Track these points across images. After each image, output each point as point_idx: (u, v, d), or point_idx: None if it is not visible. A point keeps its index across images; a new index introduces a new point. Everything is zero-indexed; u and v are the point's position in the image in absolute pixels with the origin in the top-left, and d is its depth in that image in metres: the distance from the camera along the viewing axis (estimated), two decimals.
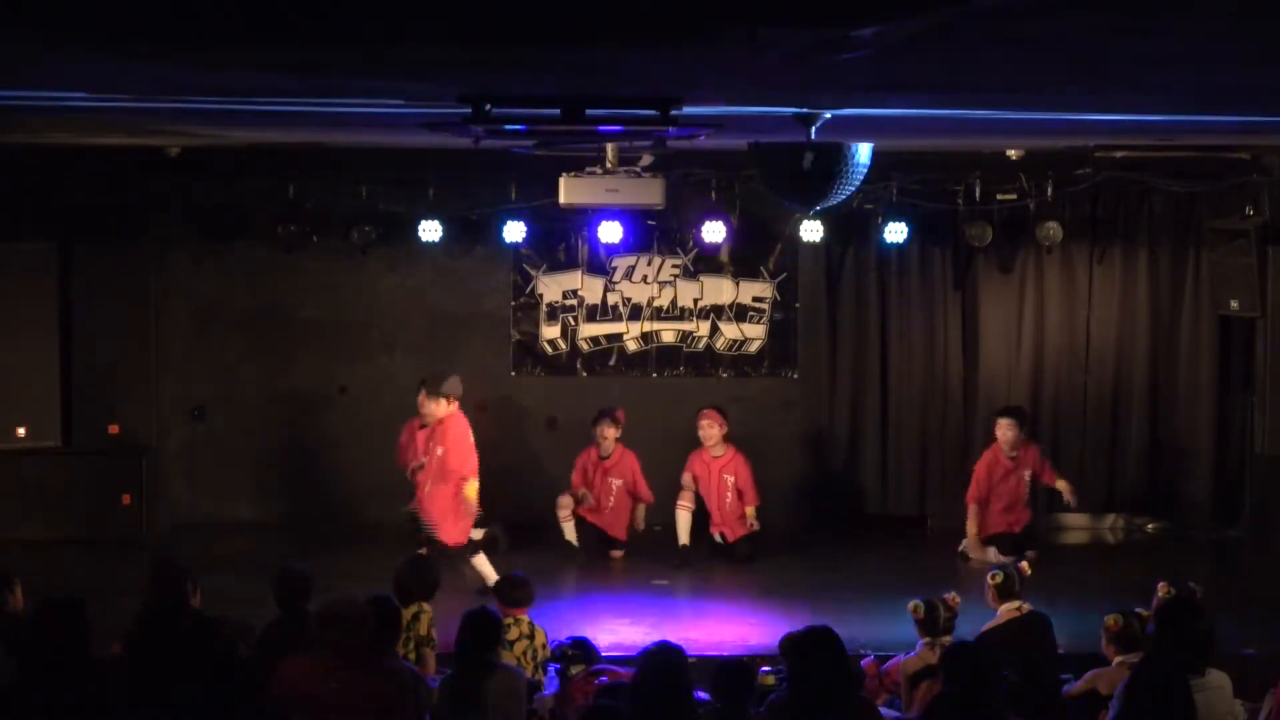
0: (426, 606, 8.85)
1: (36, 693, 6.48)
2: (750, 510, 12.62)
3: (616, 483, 12.69)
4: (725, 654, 9.22)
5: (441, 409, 11.35)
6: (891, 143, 10.26)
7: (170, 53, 5.58)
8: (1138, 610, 8.12)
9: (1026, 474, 12.64)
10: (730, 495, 12.64)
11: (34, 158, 11.72)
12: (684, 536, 12.60)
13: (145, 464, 13.09)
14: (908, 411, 13.90)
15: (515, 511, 12.66)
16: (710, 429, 12.63)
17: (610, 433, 12.61)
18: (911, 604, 8.43)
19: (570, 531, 12.58)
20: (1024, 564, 8.89)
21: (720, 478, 12.65)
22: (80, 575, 11.53)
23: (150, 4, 4.47)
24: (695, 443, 13.12)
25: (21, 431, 12.81)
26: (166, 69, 6.04)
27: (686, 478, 12.69)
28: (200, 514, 13.59)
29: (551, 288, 13.92)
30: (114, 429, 12.97)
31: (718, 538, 12.72)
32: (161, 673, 7.26)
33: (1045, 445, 13.19)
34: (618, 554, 12.74)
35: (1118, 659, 7.98)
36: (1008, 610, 8.65)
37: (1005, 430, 12.59)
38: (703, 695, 6.99)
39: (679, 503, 12.62)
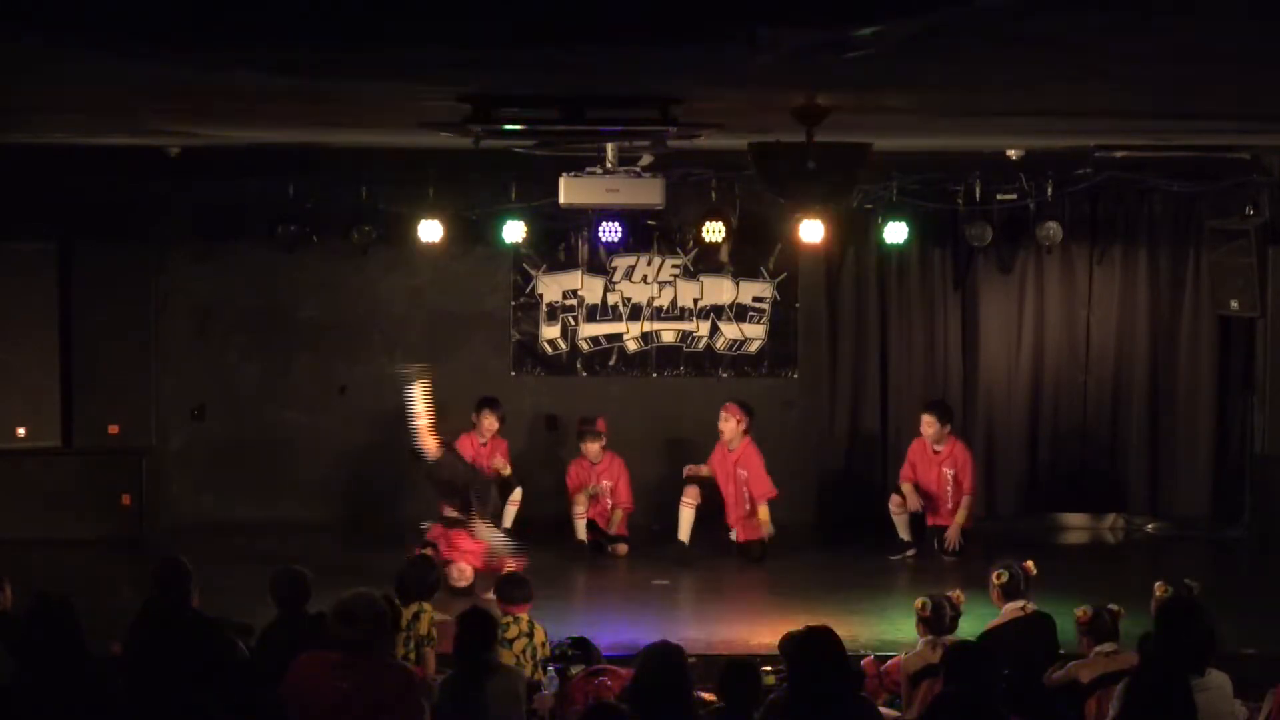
0: (427, 606, 8.86)
1: (34, 692, 6.49)
2: (763, 509, 12.58)
3: (609, 484, 12.78)
4: (725, 654, 9.22)
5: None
6: (891, 143, 10.26)
7: (171, 52, 5.58)
8: (1110, 606, 8.23)
9: (949, 472, 12.64)
10: (745, 490, 12.63)
11: (34, 158, 11.72)
12: (684, 534, 12.60)
13: (145, 464, 13.09)
14: (908, 411, 13.89)
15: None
16: (726, 422, 12.63)
17: (595, 446, 12.72)
18: (919, 600, 8.40)
19: (582, 530, 12.65)
20: (1029, 563, 8.88)
21: (735, 471, 12.65)
22: (80, 575, 11.55)
23: (153, 3, 4.47)
24: (695, 443, 13.15)
25: (21, 431, 12.82)
26: (167, 68, 6.04)
27: (704, 468, 12.68)
28: (200, 514, 13.58)
29: (551, 288, 13.92)
30: (114, 429, 12.97)
31: (732, 534, 12.74)
32: (161, 672, 7.26)
33: (975, 449, 13.15)
34: (622, 548, 12.77)
35: (1094, 649, 8.10)
36: (1011, 609, 8.64)
37: (926, 426, 12.68)
38: (703, 696, 7.00)
39: (683, 499, 12.63)
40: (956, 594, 8.50)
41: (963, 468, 12.66)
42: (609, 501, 12.83)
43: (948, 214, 13.43)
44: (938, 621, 8.31)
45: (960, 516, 12.56)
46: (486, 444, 12.70)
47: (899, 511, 12.73)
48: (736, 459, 12.66)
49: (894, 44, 4.84)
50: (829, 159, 7.54)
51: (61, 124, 9.35)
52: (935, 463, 12.69)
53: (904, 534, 12.75)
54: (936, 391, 13.79)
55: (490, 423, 12.65)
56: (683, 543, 12.59)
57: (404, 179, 12.98)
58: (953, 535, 12.52)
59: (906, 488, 12.70)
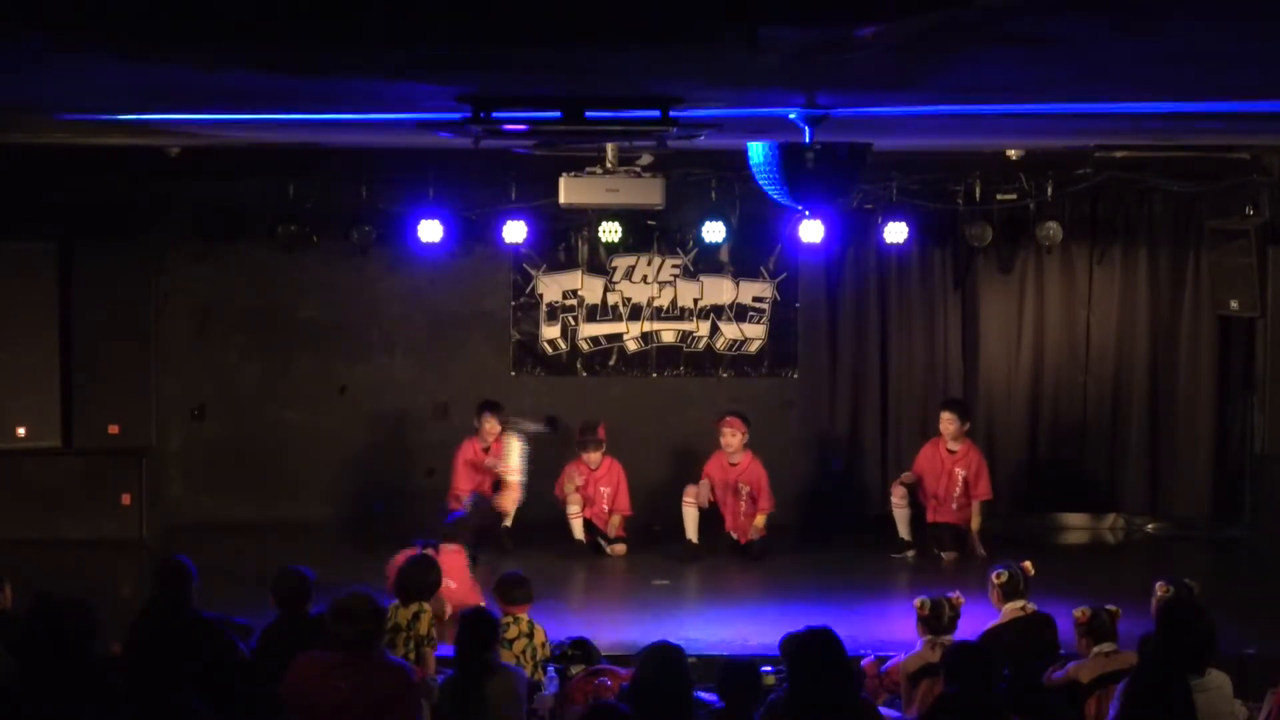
0: (427, 606, 8.86)
1: (36, 692, 6.49)
2: (761, 519, 12.64)
3: (606, 490, 12.80)
4: (726, 654, 9.23)
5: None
6: (891, 143, 10.26)
7: (168, 52, 5.58)
8: (1108, 607, 8.25)
9: (960, 473, 12.65)
10: (745, 503, 12.66)
11: (34, 157, 11.72)
12: (691, 533, 12.61)
13: (145, 464, 13.09)
14: (908, 411, 13.90)
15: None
16: (732, 437, 12.63)
17: (596, 455, 12.72)
18: (918, 600, 8.44)
19: (578, 529, 12.64)
20: (1027, 563, 8.90)
21: (735, 485, 12.66)
22: (80, 575, 11.55)
23: (151, 2, 4.47)
24: (695, 443, 13.15)
25: (21, 431, 12.81)
26: (165, 69, 6.04)
27: (705, 484, 12.68)
28: (200, 514, 13.59)
29: (551, 288, 13.92)
30: (114, 429, 12.96)
31: (733, 535, 12.75)
32: (161, 672, 7.26)
33: (987, 455, 13.14)
34: (620, 548, 12.77)
35: (1093, 650, 8.11)
36: (1011, 610, 8.65)
37: (946, 423, 12.68)
38: (703, 695, 7.00)
39: (685, 499, 12.63)
40: (956, 596, 8.52)
41: (977, 471, 12.66)
42: (606, 506, 12.83)
43: (948, 214, 13.43)
44: (936, 621, 8.34)
45: (976, 523, 12.59)
46: (489, 448, 12.68)
47: (901, 504, 12.72)
48: (740, 474, 12.67)
49: (894, 44, 4.84)
50: (829, 159, 7.54)
51: (61, 125, 9.34)
52: (949, 464, 12.67)
53: (904, 532, 12.75)
54: (936, 391, 13.80)
55: (492, 426, 12.64)
56: (691, 541, 12.59)
57: (404, 179, 12.98)
58: (975, 542, 12.53)
59: (908, 477, 12.72)
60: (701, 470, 12.79)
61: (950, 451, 12.71)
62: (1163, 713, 6.29)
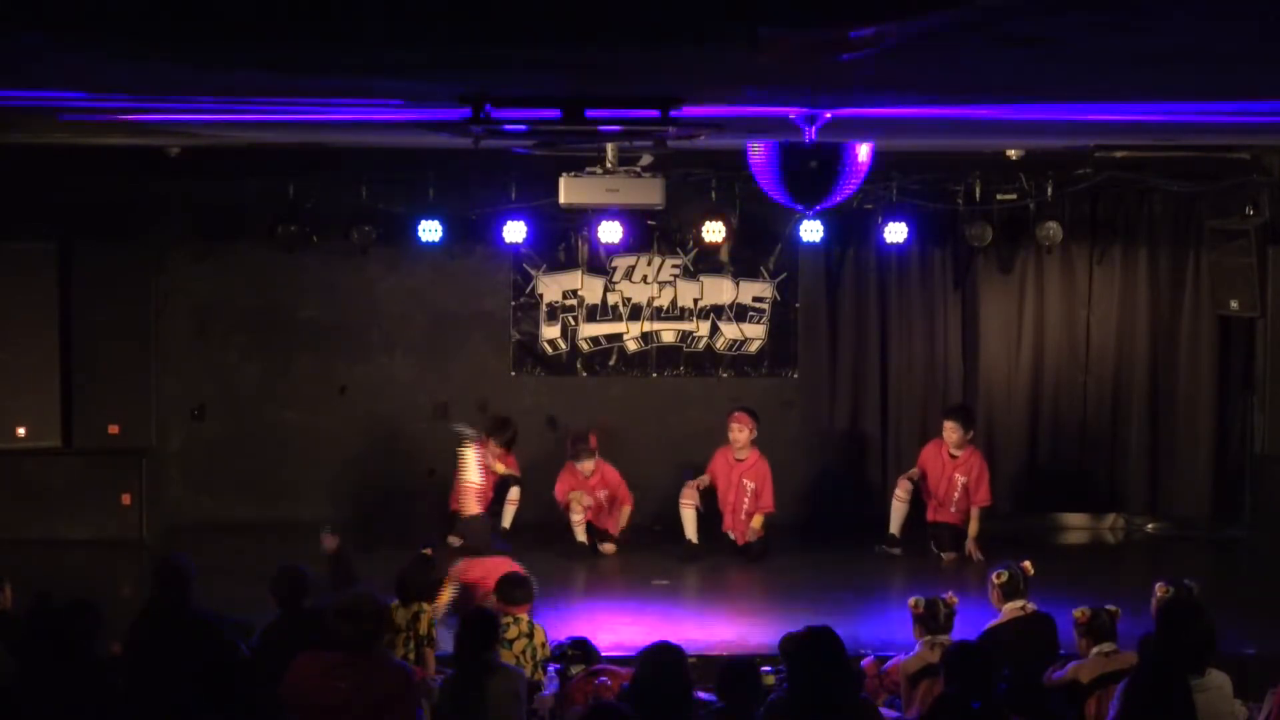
0: (427, 606, 8.87)
1: (36, 692, 6.50)
2: (759, 519, 12.62)
3: (602, 494, 12.81)
4: (725, 654, 9.23)
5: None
6: (891, 143, 10.26)
7: (170, 51, 5.58)
8: (1108, 607, 8.27)
9: (960, 479, 12.64)
10: (747, 500, 12.65)
11: (34, 158, 11.72)
12: (691, 533, 12.60)
13: (145, 464, 13.09)
14: (908, 412, 13.90)
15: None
16: (740, 432, 12.62)
17: (589, 465, 12.70)
18: (912, 600, 8.48)
19: (581, 533, 12.63)
20: (1027, 563, 8.90)
21: (740, 482, 12.65)
22: (80, 575, 11.55)
23: (151, 2, 4.47)
24: (695, 443, 13.13)
25: (21, 431, 12.81)
26: (165, 67, 6.04)
27: (705, 478, 12.68)
28: (200, 514, 13.58)
29: (551, 288, 13.92)
30: (114, 429, 12.96)
31: (730, 535, 12.74)
32: (161, 672, 7.26)
33: (988, 455, 13.14)
34: (609, 547, 12.76)
35: (1093, 650, 8.13)
36: (1011, 609, 8.66)
37: (949, 432, 12.67)
38: (703, 695, 7.00)
39: (683, 500, 12.62)
40: (949, 595, 8.54)
41: (978, 477, 12.64)
42: (603, 509, 12.83)
43: (948, 214, 13.43)
44: (932, 619, 8.36)
45: (974, 528, 12.58)
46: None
47: (903, 499, 12.71)
48: (745, 470, 12.66)
49: (894, 44, 4.84)
50: (828, 159, 7.55)
51: (61, 125, 9.34)
52: (950, 467, 12.67)
53: (896, 528, 12.73)
54: (936, 391, 13.81)
55: (494, 449, 12.59)
56: (691, 541, 12.58)
57: (404, 179, 12.98)
58: (972, 548, 12.53)
59: (915, 473, 12.73)
60: (704, 469, 12.79)
61: (952, 456, 12.70)
62: (1163, 713, 6.30)
